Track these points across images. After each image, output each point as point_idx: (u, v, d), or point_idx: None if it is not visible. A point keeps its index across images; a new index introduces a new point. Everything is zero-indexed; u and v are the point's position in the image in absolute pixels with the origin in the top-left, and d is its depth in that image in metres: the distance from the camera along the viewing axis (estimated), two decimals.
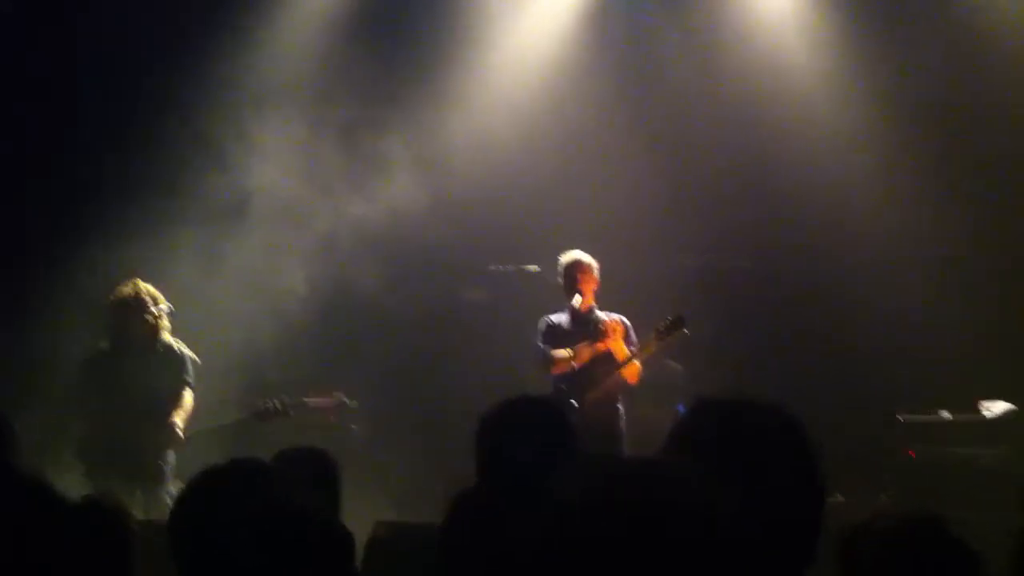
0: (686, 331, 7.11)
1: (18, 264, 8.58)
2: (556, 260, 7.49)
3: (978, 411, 7.52)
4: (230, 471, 2.14)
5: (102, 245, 8.14)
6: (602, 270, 7.33)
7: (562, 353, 7.12)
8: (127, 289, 7.08)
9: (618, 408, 7.16)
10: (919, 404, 7.76)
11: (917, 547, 2.54)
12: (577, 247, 7.41)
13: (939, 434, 7.51)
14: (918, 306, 8.35)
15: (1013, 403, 7.46)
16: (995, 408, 7.48)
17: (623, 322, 7.23)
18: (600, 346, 7.07)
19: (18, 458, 1.81)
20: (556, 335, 7.25)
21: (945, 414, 7.59)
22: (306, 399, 8.43)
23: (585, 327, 7.21)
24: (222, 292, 8.21)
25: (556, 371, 7.16)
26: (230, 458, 2.20)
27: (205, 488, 2.13)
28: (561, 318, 7.32)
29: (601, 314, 7.27)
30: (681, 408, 8.88)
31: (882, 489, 7.52)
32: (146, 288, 7.10)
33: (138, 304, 7.04)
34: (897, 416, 7.66)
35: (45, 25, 8.78)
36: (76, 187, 8.74)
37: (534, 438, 2.95)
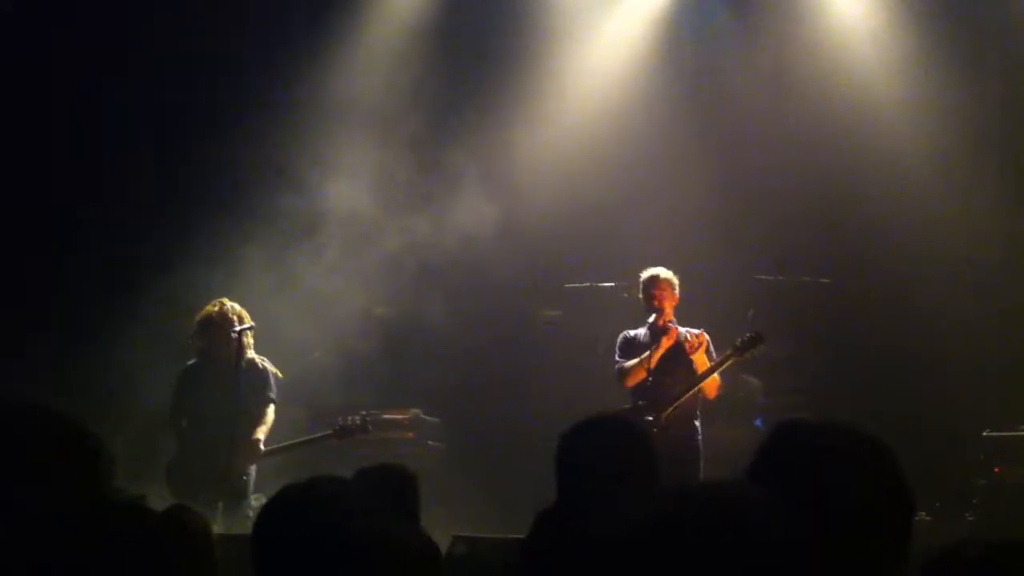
0: (764, 348, 7.05)
1: (90, 291, 8.76)
2: (631, 276, 7.49)
3: None
4: (311, 488, 2.18)
5: (174, 270, 8.32)
6: (680, 286, 7.30)
7: (633, 361, 7.12)
8: (213, 308, 7.24)
9: (696, 425, 7.12)
10: (1005, 420, 7.59)
11: None
12: (652, 263, 7.40)
13: None
14: (1002, 319, 8.18)
15: None
16: None
17: (705, 336, 7.20)
18: (667, 342, 7.03)
19: (112, 481, 1.87)
20: (634, 349, 7.25)
21: None
22: (384, 415, 8.53)
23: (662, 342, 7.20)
24: (295, 312, 8.33)
25: (632, 381, 7.15)
26: (311, 476, 2.22)
27: (286, 505, 2.16)
28: (639, 333, 7.32)
29: (681, 329, 7.25)
30: (759, 423, 8.78)
31: (968, 508, 7.37)
32: (231, 307, 7.24)
33: (223, 322, 7.18)
34: (982, 432, 7.50)
35: (115, 48, 8.96)
36: (144, 211, 8.92)
37: (613, 457, 2.95)
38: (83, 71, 8.90)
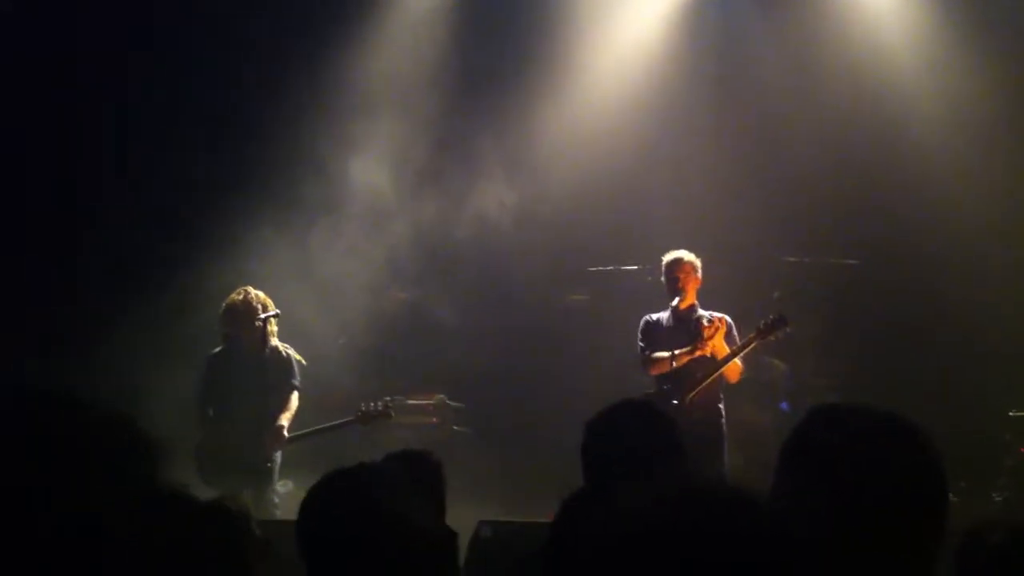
0: (788, 330, 7.02)
1: (110, 280, 8.81)
2: (655, 259, 7.46)
3: None
4: (348, 475, 2.24)
5: (196, 259, 8.36)
6: (704, 269, 7.27)
7: (662, 355, 7.09)
8: (238, 296, 7.28)
9: (720, 409, 7.10)
10: None
11: None
12: (677, 246, 7.37)
13: None
14: None
15: None
16: None
17: (726, 320, 7.17)
18: (700, 352, 7.01)
19: (167, 475, 1.92)
20: (656, 334, 7.23)
21: None
22: (409, 400, 8.55)
23: (686, 326, 7.17)
24: (319, 299, 8.36)
25: (655, 371, 7.14)
26: (355, 462, 2.34)
27: (328, 491, 2.27)
28: (662, 316, 7.29)
29: (704, 313, 7.22)
30: (785, 407, 8.74)
31: (995, 488, 7.34)
32: (256, 294, 7.27)
33: (248, 310, 7.22)
34: (1009, 413, 7.46)
35: (128, 40, 8.99)
36: (166, 199, 8.96)
37: (639, 444, 2.95)
38: (98, 64, 8.92)
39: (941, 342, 8.41)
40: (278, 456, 7.19)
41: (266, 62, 9.09)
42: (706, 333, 7.01)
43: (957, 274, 8.47)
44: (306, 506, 2.27)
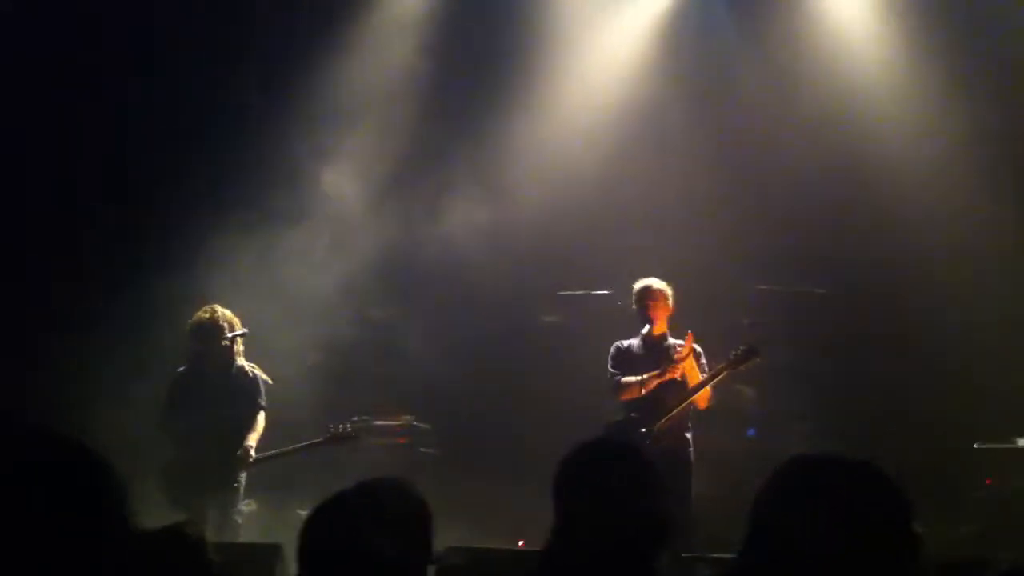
0: (758, 361, 7.06)
1: (83, 289, 8.65)
2: (627, 284, 7.47)
3: None
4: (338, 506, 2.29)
5: (163, 272, 8.27)
6: (676, 294, 7.29)
7: (631, 379, 7.10)
8: (204, 315, 7.22)
9: (688, 438, 7.11)
10: (998, 432, 7.60)
11: None
12: (648, 270, 7.39)
13: (1017, 462, 7.35)
14: (996, 333, 8.18)
15: None
16: None
17: (695, 348, 7.19)
18: (669, 374, 7.03)
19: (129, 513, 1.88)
20: (627, 360, 7.24)
21: (1022, 442, 7.44)
22: (377, 421, 8.50)
23: (657, 353, 7.19)
24: (287, 317, 8.27)
25: (625, 397, 7.14)
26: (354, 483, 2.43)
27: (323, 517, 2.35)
28: (632, 343, 7.31)
29: (674, 340, 7.25)
30: (752, 433, 8.75)
31: (962, 519, 7.37)
32: (223, 313, 7.22)
33: (215, 329, 7.17)
34: (974, 445, 7.51)
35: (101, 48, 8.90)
36: (139, 212, 8.86)
37: (615, 486, 2.93)
38: (74, 72, 8.84)
39: (910, 371, 8.44)
40: (243, 477, 7.12)
41: (242, 69, 9.00)
42: (676, 356, 7.03)
43: (926, 303, 8.52)
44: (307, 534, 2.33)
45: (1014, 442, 7.46)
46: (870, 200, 8.72)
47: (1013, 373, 7.91)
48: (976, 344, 8.27)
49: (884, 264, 8.70)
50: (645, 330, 7.19)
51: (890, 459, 2.04)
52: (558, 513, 2.86)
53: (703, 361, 7.18)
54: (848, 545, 1.82)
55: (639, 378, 7.04)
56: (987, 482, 7.40)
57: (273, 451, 7.21)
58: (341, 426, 7.26)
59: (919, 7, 8.76)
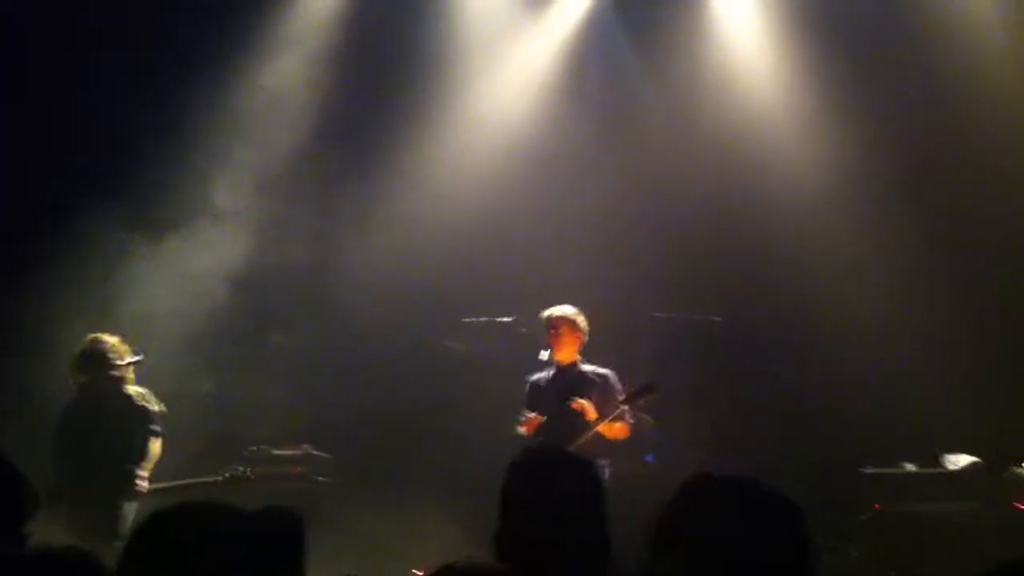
0: (654, 396, 7.16)
1: None
2: (531, 310, 7.54)
3: (942, 464, 7.56)
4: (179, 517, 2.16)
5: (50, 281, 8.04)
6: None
7: (522, 429, 7.15)
8: (91, 344, 7.05)
9: (601, 464, 7.14)
10: (886, 456, 7.78)
11: None
12: (551, 297, 7.44)
13: (904, 487, 7.53)
14: (887, 360, 8.39)
15: (977, 456, 7.50)
16: (959, 461, 7.52)
17: (607, 375, 7.26)
18: (535, 421, 7.07)
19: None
20: (538, 394, 7.31)
21: (910, 467, 7.63)
22: (274, 451, 8.38)
23: (566, 381, 7.25)
24: (184, 343, 8.12)
25: (529, 430, 7.18)
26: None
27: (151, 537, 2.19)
28: (541, 376, 7.36)
29: (587, 368, 7.30)
30: (650, 459, 8.78)
31: (852, 543, 7.51)
32: (110, 341, 7.06)
33: (102, 357, 7.00)
34: (860, 468, 7.67)
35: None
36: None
37: (563, 490, 2.95)
38: None
39: (802, 396, 8.60)
40: (132, 508, 6.94)
41: (142, 72, 8.79)
42: (575, 407, 7.06)
43: (819, 331, 8.70)
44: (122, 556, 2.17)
45: (901, 467, 7.64)
46: (770, 231, 8.88)
47: (904, 399, 8.13)
48: (867, 370, 8.47)
49: (778, 290, 8.87)
50: (545, 356, 7.25)
51: (783, 484, 2.06)
52: (504, 517, 2.86)
53: (617, 387, 7.22)
54: (751, 556, 1.83)
55: (525, 424, 7.11)
56: (875, 506, 7.56)
57: (169, 483, 7.04)
58: (242, 470, 7.21)
59: (818, 32, 8.97)
